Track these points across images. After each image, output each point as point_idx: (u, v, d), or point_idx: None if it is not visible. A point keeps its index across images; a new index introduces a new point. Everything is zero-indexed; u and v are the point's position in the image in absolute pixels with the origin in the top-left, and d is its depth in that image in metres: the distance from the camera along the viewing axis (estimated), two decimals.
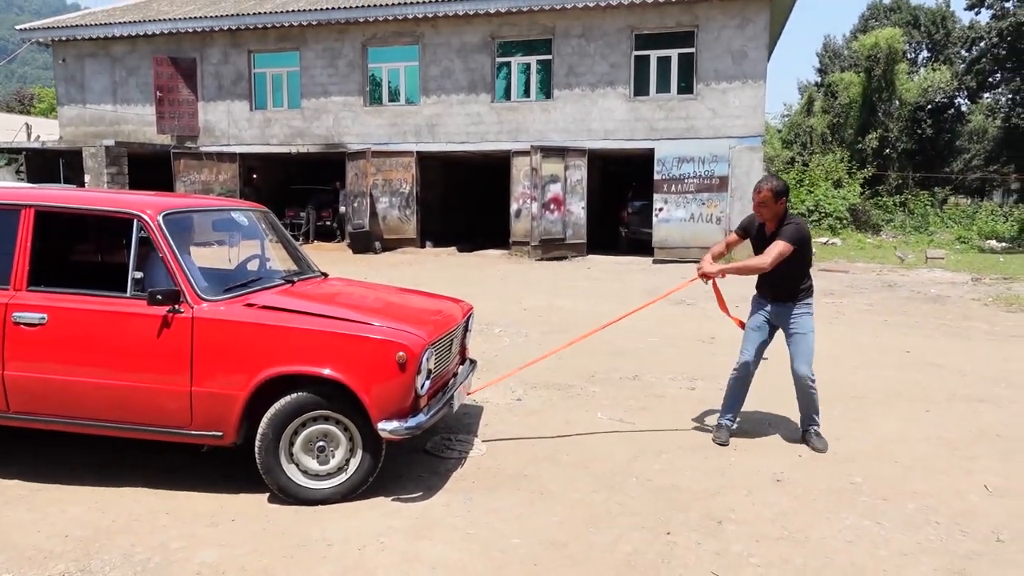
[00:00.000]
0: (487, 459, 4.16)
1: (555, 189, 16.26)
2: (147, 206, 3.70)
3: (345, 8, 16.98)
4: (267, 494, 3.58)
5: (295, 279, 4.40)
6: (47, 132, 21.37)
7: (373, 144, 17.40)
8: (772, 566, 2.98)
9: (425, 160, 17.78)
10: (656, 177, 16.00)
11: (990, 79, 30.23)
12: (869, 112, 29.79)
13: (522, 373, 5.63)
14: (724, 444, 4.37)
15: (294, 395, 3.49)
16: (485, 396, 5.32)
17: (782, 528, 3.33)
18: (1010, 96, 29.69)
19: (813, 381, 4.30)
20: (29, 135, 19.78)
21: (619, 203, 18.22)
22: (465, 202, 21.86)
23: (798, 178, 24.49)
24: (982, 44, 30.09)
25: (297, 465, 3.55)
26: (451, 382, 4.19)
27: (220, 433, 3.53)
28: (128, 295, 3.58)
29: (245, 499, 3.57)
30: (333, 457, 3.58)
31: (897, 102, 29.42)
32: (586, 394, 5.52)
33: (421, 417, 3.56)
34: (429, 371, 3.67)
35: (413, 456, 4.17)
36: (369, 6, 16.78)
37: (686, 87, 16.00)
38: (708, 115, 15.78)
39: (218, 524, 3.30)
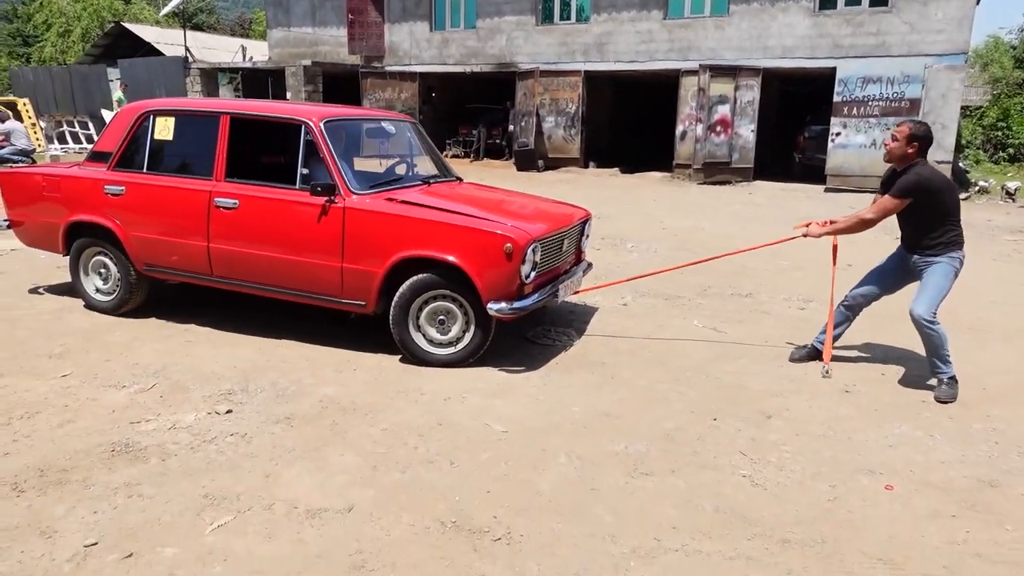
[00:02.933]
0: (576, 348, 4.66)
1: (723, 110, 15.71)
2: (312, 114, 4.46)
3: None
4: (386, 355, 4.36)
5: (431, 181, 5.06)
6: (260, 53, 23.89)
7: (543, 63, 17.71)
8: (799, 454, 3.25)
9: (592, 80, 17.82)
10: (836, 99, 14.91)
11: None
12: None
13: (636, 283, 6.02)
14: (795, 360, 4.44)
15: (421, 275, 4.16)
16: (596, 300, 5.77)
17: (828, 428, 3.54)
18: None
19: (929, 322, 3.88)
20: (244, 56, 22.29)
21: (796, 127, 17.23)
22: (633, 123, 21.64)
23: None
24: None
25: (423, 334, 4.27)
26: (561, 277, 4.69)
27: (363, 303, 4.31)
28: (296, 187, 4.39)
29: (369, 357, 4.37)
30: (451, 330, 4.25)
31: None
32: (692, 305, 5.78)
33: (525, 301, 4.12)
34: (535, 263, 4.19)
35: (516, 342, 4.75)
36: None
37: None
38: (903, 30, 14.30)
39: (343, 372, 4.12)
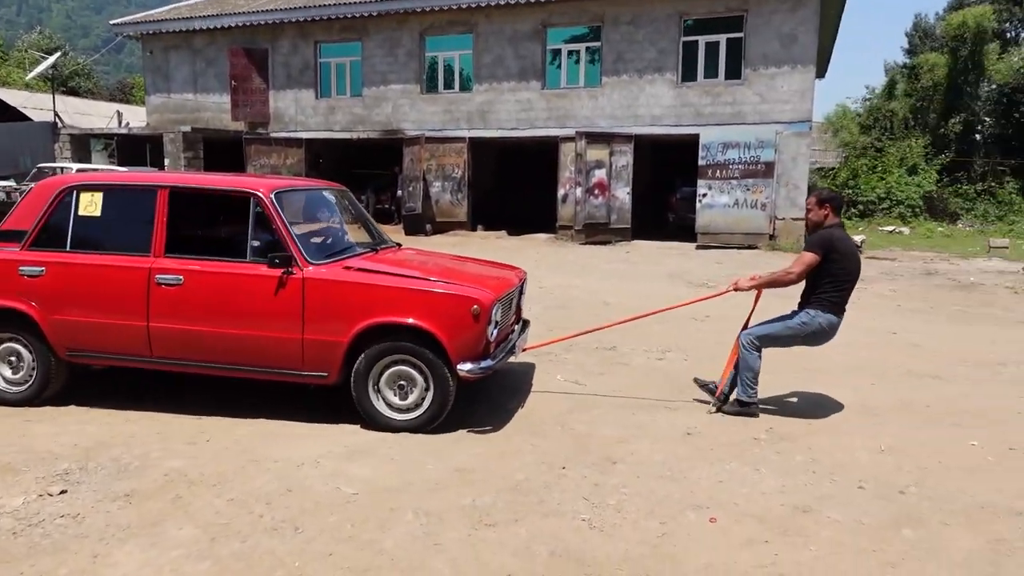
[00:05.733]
0: None
1: (600, 174, 16.57)
2: (261, 186, 4.42)
3: None
4: (241, 419, 4.29)
5: (377, 248, 5.09)
6: (139, 119, 23.22)
7: (428, 130, 18.16)
8: (637, 495, 3.44)
9: (477, 146, 18.40)
10: (700, 163, 16.07)
11: None
12: (955, 95, 28.42)
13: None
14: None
15: (386, 342, 4.15)
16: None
17: (667, 469, 3.76)
18: None
19: (745, 346, 4.49)
20: (120, 122, 21.61)
21: (669, 189, 18.39)
22: (518, 187, 22.34)
23: (871, 165, 23.83)
24: None
25: (383, 399, 4.25)
26: (511, 335, 4.82)
27: (325, 374, 4.25)
28: (247, 260, 4.30)
29: (223, 423, 4.29)
30: (411, 394, 4.25)
31: (986, 84, 27.93)
32: (558, 360, 6.01)
33: (491, 360, 4.23)
34: (496, 323, 4.30)
35: None
36: None
37: (733, 72, 15.97)
38: (755, 100, 15.71)
39: (195, 443, 4.02)
